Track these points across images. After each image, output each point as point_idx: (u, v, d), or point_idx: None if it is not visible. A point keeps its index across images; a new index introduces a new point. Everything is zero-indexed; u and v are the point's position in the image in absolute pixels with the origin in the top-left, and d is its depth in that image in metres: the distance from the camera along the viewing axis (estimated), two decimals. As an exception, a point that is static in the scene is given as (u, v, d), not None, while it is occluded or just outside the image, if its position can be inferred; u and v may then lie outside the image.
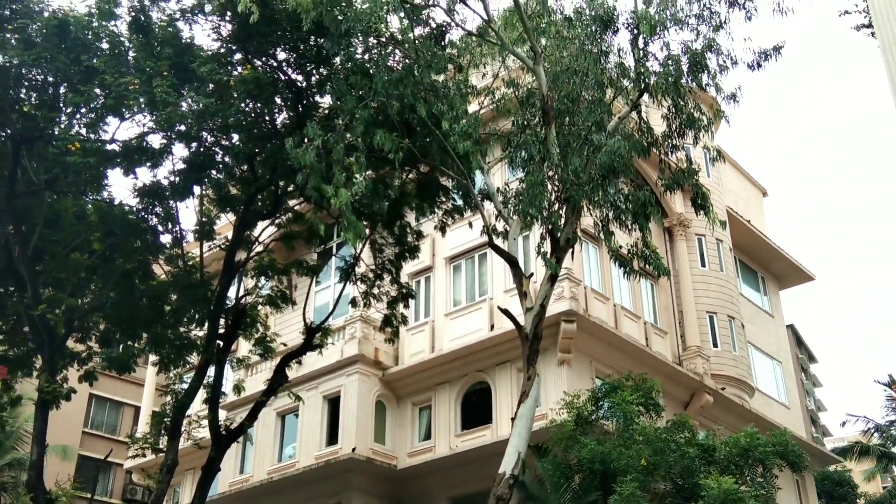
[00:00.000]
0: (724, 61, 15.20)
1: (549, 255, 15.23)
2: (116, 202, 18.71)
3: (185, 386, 20.28)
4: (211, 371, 19.70)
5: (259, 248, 20.65)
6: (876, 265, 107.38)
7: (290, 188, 18.67)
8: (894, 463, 33.47)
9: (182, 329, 20.31)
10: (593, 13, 15.57)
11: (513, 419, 14.98)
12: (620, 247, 16.00)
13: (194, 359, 20.54)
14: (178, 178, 18.03)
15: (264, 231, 20.83)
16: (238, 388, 21.65)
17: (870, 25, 16.77)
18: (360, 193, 14.47)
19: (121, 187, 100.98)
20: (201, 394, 21.87)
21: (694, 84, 15.49)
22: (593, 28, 15.49)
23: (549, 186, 15.30)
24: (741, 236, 31.98)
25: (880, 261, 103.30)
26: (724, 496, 15.92)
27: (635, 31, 15.40)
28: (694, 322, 27.32)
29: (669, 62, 15.25)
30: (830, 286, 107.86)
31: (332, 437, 24.52)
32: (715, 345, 27.47)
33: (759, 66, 15.28)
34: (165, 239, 19.61)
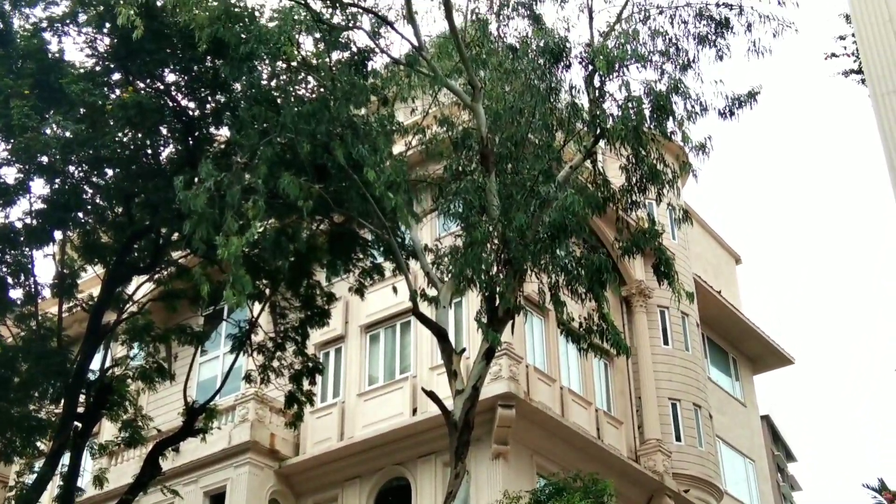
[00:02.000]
0: (693, 106, 15.61)
1: (486, 326, 15.26)
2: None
3: (33, 477, 19.71)
4: (66, 459, 19.24)
5: (133, 309, 20.39)
6: (868, 348, 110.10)
7: (175, 237, 18.55)
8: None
9: (32, 406, 19.84)
10: (542, 44, 15.91)
11: (436, 525, 14.88)
12: (572, 319, 16.11)
13: (45, 444, 20.03)
14: (35, 221, 17.85)
15: (140, 288, 20.61)
16: (99, 481, 21.23)
17: (859, 71, 17.51)
18: (255, 243, 14.32)
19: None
20: (52, 486, 21.27)
21: (657, 131, 15.83)
22: (542, 61, 15.81)
23: (489, 246, 15.41)
24: (710, 310, 32.59)
25: (873, 342, 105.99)
26: None
27: (590, 68, 15.74)
28: (654, 410, 27.63)
29: (630, 104, 15.53)
30: (813, 372, 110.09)
31: (214, 544, 24.03)
32: (678, 438, 27.78)
33: (732, 113, 15.73)
34: (16, 294, 19.36)
